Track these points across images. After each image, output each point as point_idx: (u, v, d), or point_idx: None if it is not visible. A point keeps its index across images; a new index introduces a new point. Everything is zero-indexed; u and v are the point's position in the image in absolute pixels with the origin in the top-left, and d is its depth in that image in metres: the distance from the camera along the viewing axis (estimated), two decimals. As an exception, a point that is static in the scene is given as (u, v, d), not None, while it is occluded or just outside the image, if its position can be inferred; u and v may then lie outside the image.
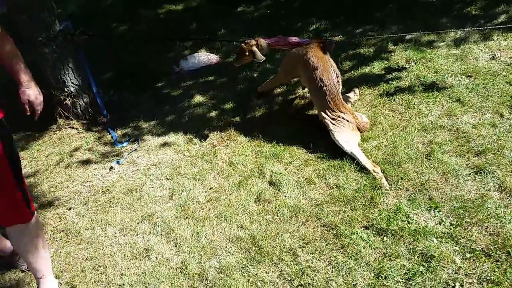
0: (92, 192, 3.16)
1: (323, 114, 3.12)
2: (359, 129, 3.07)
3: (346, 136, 2.98)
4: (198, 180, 3.10)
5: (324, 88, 3.08)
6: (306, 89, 3.78)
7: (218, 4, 5.95)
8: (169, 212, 2.86)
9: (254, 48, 3.35)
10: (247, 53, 3.42)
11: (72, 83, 3.88)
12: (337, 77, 3.17)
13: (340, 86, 3.22)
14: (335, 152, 3.00)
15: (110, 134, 3.82)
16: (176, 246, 2.59)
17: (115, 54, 5.07)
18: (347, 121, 3.03)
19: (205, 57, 4.73)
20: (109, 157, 3.54)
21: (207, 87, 4.31)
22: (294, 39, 3.39)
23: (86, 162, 3.50)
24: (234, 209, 2.75)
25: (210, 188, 2.99)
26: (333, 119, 3.06)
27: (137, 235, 2.72)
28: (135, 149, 3.58)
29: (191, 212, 2.82)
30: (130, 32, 5.73)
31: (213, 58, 4.74)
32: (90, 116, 4.04)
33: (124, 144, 3.68)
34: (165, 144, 3.60)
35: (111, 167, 3.39)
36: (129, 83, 4.56)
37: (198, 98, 4.15)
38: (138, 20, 6.00)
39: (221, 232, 2.62)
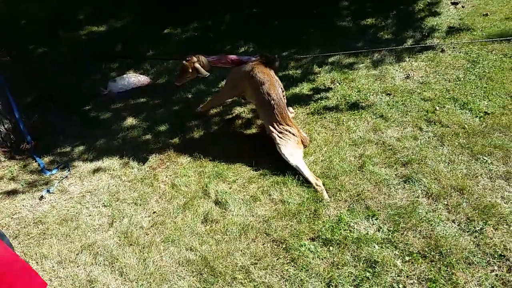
0: (22, 224, 2.91)
1: (270, 127, 3.22)
2: (302, 143, 3.22)
3: (291, 149, 3.10)
4: (140, 205, 3.00)
5: (272, 102, 3.19)
6: (243, 109, 3.87)
7: (143, 25, 5.88)
8: (111, 240, 2.74)
9: (197, 65, 3.37)
10: (190, 70, 3.42)
11: (-8, 108, 3.58)
12: (282, 92, 3.30)
13: (285, 100, 3.35)
14: (277, 168, 3.11)
15: (36, 161, 3.56)
16: (122, 276, 2.48)
17: (37, 77, 4.76)
18: (293, 134, 3.17)
19: (134, 78, 4.63)
20: (37, 186, 3.29)
21: (139, 109, 4.21)
22: (234, 56, 3.47)
23: (12, 192, 3.22)
24: (181, 232, 2.71)
25: (154, 212, 2.92)
26: (280, 132, 3.18)
27: (78, 266, 2.55)
28: (66, 176, 3.38)
29: (135, 238, 2.72)
30: (50, 54, 5.41)
31: (144, 79, 4.65)
32: (12, 143, 3.73)
33: (53, 172, 3.45)
34: (98, 170, 3.44)
35: (41, 197, 3.16)
36: (53, 107, 4.30)
37: (131, 121, 4.05)
38: (58, 42, 5.70)
39: (169, 257, 2.56)
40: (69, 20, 6.18)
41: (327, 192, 2.86)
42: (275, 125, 3.21)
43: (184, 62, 3.44)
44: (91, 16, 6.29)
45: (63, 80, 4.80)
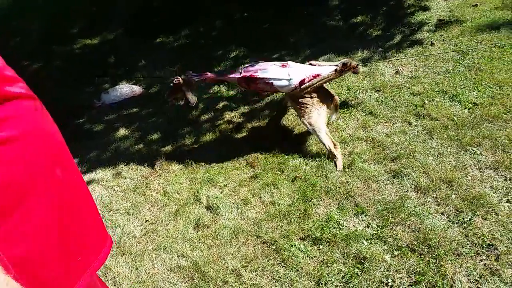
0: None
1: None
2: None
3: (308, 117, 3.13)
4: (132, 214, 3.03)
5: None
6: (234, 113, 3.90)
7: (136, 36, 5.94)
8: (104, 250, 2.76)
9: (184, 88, 3.30)
10: (178, 92, 3.38)
11: (-16, 126, 3.62)
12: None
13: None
14: (267, 170, 3.13)
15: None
16: (115, 285, 2.50)
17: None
18: (311, 97, 3.15)
19: (127, 89, 4.68)
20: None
21: (132, 119, 4.25)
22: (211, 74, 3.35)
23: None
24: (173, 239, 2.73)
25: (146, 221, 2.94)
26: (298, 104, 3.18)
27: (71, 278, 2.58)
28: (61, 190, 3.41)
29: (128, 248, 2.75)
30: (44, 69, 5.49)
31: (136, 89, 4.70)
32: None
33: (48, 186, 3.48)
34: (92, 181, 3.48)
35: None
36: (47, 121, 4.35)
37: (123, 131, 4.09)
38: (52, 56, 5.78)
39: (161, 264, 2.58)
40: (62, 34, 6.27)
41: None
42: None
43: (175, 81, 3.34)
44: (84, 30, 6.37)
45: (56, 94, 4.85)
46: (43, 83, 5.13)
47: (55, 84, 5.07)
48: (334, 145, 3.04)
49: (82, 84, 5.08)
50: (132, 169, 3.49)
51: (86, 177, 3.51)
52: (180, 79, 3.31)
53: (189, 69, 3.41)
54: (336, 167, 2.98)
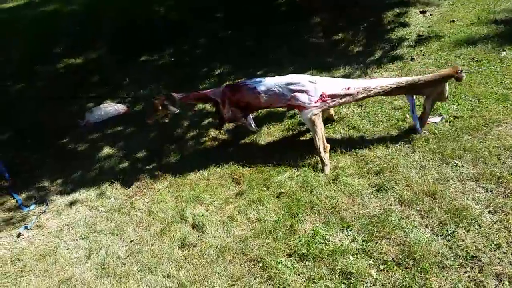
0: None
1: None
2: None
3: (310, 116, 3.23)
4: (117, 235, 2.99)
5: None
6: (218, 130, 3.92)
7: (120, 54, 5.93)
8: (89, 272, 2.71)
9: (166, 102, 3.39)
10: (160, 108, 3.45)
11: (-34, 147, 3.58)
12: None
13: None
14: (252, 187, 3.13)
15: (14, 198, 3.55)
16: (99, 308, 2.46)
17: (14, 113, 4.81)
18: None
19: (112, 107, 4.66)
20: (15, 223, 3.29)
21: (116, 138, 4.23)
22: (199, 93, 3.55)
23: (-12, 232, 3.20)
24: (159, 259, 2.70)
25: (131, 241, 2.91)
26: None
27: (54, 303, 2.53)
28: (44, 211, 3.36)
29: (112, 269, 2.71)
30: (28, 89, 5.45)
31: (121, 108, 4.68)
32: (-10, 181, 3.73)
33: (31, 207, 3.44)
34: (76, 202, 3.44)
35: (19, 234, 3.14)
36: (30, 142, 4.31)
37: (108, 150, 4.05)
38: (36, 77, 5.73)
39: (147, 285, 2.54)
40: (46, 54, 6.23)
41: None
42: None
43: (153, 99, 3.47)
44: (68, 49, 6.34)
45: (41, 115, 4.82)
46: (26, 103, 5.08)
47: (39, 104, 5.02)
48: (325, 146, 3.18)
49: (66, 104, 5.03)
50: (116, 189, 3.46)
51: (69, 198, 3.46)
52: (163, 95, 3.38)
53: (173, 87, 3.47)
54: (323, 171, 3.13)
